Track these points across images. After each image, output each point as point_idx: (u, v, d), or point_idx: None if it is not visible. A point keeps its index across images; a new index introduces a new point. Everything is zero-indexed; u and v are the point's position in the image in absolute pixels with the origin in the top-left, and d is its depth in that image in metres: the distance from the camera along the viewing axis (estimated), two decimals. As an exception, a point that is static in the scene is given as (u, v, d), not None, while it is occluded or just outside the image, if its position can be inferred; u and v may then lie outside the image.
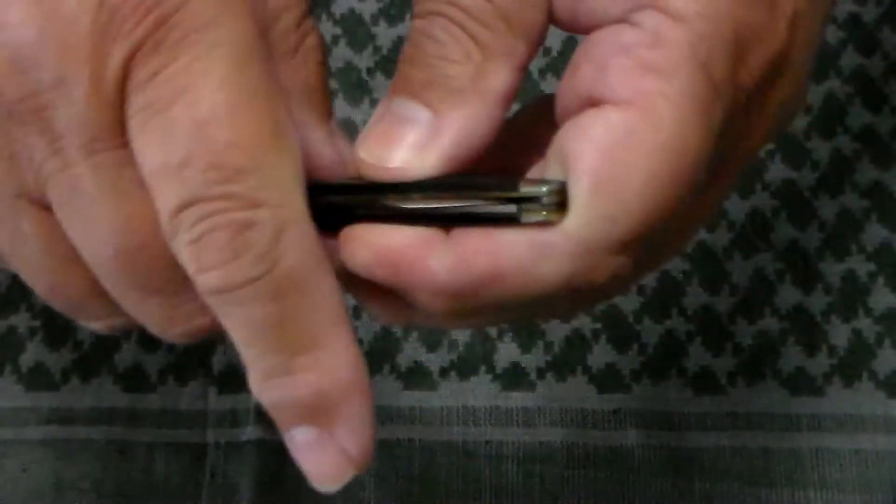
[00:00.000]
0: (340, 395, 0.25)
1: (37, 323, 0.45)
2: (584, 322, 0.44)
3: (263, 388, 0.26)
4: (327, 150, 0.27)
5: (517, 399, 0.43)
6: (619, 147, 0.24)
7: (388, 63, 0.48)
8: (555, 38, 0.46)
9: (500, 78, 0.26)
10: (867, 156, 0.46)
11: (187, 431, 0.43)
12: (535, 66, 0.48)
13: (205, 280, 0.24)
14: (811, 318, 0.44)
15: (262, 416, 0.43)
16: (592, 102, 0.25)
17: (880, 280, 0.45)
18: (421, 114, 0.26)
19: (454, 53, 0.26)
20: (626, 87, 0.24)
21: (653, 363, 0.44)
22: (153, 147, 0.24)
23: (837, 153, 0.46)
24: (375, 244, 0.26)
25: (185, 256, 0.24)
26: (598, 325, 0.44)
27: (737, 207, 0.46)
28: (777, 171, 0.46)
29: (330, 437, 0.26)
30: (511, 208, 0.25)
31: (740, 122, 0.26)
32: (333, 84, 0.47)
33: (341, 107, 0.47)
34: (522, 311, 0.28)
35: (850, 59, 0.47)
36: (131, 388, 0.44)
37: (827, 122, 0.47)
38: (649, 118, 0.24)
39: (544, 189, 0.25)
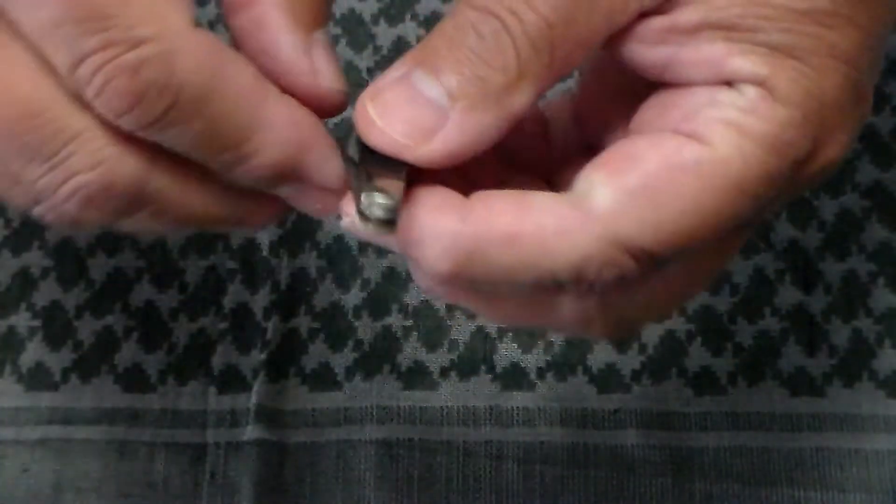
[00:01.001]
0: (297, 156, 0.27)
1: (37, 323, 0.45)
2: (584, 322, 0.44)
3: (233, 178, 0.27)
4: (296, 58, 0.27)
5: (517, 399, 0.43)
6: (681, 169, 0.25)
7: (388, 63, 0.48)
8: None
9: (523, 100, 0.26)
10: (867, 156, 0.46)
11: (187, 431, 0.43)
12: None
13: (126, 123, 0.25)
14: (811, 318, 0.44)
15: (261, 416, 0.43)
16: (679, 131, 0.26)
17: (880, 280, 0.45)
18: (440, 99, 0.26)
19: (495, 59, 0.26)
20: (711, 130, 0.25)
21: (653, 363, 0.44)
22: (26, 12, 0.25)
23: (837, 153, 0.46)
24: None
25: (98, 108, 0.25)
26: (599, 325, 0.44)
27: (737, 207, 0.46)
28: (777, 171, 0.46)
29: (306, 185, 0.28)
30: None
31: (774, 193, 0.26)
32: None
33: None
34: (523, 295, 0.27)
35: (850, 59, 0.47)
36: (131, 388, 0.44)
37: (827, 122, 0.47)
38: (720, 161, 0.25)
39: (381, 200, 0.26)
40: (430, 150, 0.26)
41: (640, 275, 0.26)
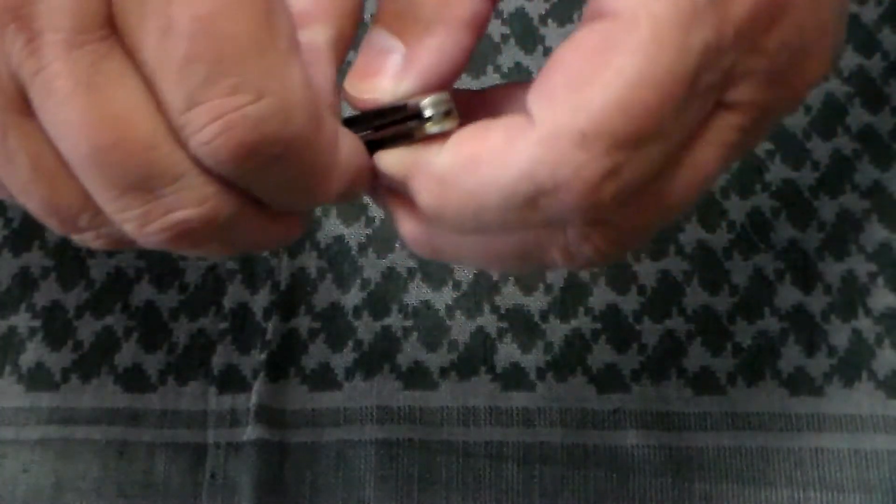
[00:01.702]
0: (357, 182, 0.28)
1: (37, 323, 0.45)
2: (583, 322, 0.44)
3: (292, 207, 0.28)
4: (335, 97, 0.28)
5: (517, 399, 0.43)
6: (594, 48, 0.25)
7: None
8: None
9: (465, 5, 0.27)
10: (867, 156, 0.46)
11: (187, 431, 0.43)
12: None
13: (223, 169, 0.25)
14: (811, 318, 0.44)
15: (262, 416, 0.43)
16: (591, 19, 0.26)
17: (880, 280, 0.45)
18: (395, 45, 0.28)
19: None
20: (617, 2, 0.25)
21: (653, 363, 0.44)
22: (154, 42, 0.24)
23: (837, 153, 0.46)
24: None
25: (199, 152, 0.25)
26: (598, 325, 0.44)
27: (737, 207, 0.46)
28: (777, 171, 0.46)
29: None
30: (412, 125, 0.27)
31: (730, 57, 0.26)
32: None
33: (342, 106, 0.47)
34: (505, 227, 0.27)
35: (849, 59, 0.47)
36: (131, 388, 0.44)
37: (827, 122, 0.47)
38: (628, 26, 0.25)
39: (426, 101, 0.27)
40: (406, 88, 0.28)
41: (604, 169, 0.25)
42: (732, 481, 0.42)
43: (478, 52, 0.48)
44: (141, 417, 0.43)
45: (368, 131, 0.28)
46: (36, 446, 0.43)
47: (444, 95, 0.27)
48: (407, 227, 0.29)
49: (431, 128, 0.27)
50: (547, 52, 0.48)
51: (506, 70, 0.48)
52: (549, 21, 0.48)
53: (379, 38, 0.28)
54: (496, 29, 0.48)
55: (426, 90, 0.27)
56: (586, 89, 0.25)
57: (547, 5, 0.49)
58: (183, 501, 0.42)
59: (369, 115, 0.29)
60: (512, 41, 0.48)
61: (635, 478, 0.42)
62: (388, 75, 0.28)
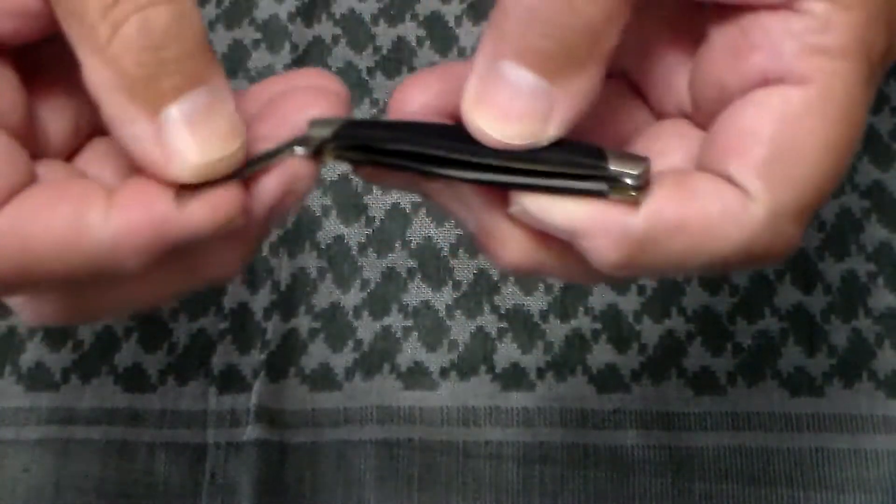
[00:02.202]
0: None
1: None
2: (583, 322, 0.44)
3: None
4: (145, 150, 0.25)
5: (517, 399, 0.43)
6: (798, 117, 0.25)
7: (388, 63, 0.48)
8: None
9: (612, 39, 0.26)
10: (867, 156, 0.46)
11: (187, 431, 0.43)
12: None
13: None
14: (811, 318, 0.44)
15: (262, 416, 0.43)
16: (765, 83, 0.26)
17: (880, 280, 0.45)
18: (539, 84, 0.26)
19: (563, 17, 0.25)
20: (802, 65, 0.25)
21: (653, 363, 0.44)
22: None
23: (837, 153, 0.46)
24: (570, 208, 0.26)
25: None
26: (598, 325, 0.44)
27: (737, 207, 0.46)
28: (777, 171, 0.46)
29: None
30: (601, 186, 0.25)
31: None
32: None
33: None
34: (690, 271, 0.28)
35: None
36: (131, 388, 0.44)
37: (827, 122, 0.47)
38: (826, 93, 0.25)
39: (635, 171, 0.25)
40: (552, 132, 0.26)
41: (800, 233, 0.26)
42: (732, 481, 0.42)
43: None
44: (141, 417, 0.43)
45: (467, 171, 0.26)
46: (36, 446, 0.43)
47: (648, 164, 0.26)
48: (513, 254, 0.28)
49: (634, 195, 0.25)
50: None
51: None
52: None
53: (516, 75, 0.26)
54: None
55: (569, 130, 0.26)
56: (802, 163, 0.25)
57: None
58: (183, 501, 0.42)
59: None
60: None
61: (635, 478, 0.42)
62: (533, 118, 0.26)
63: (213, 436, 0.43)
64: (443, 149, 0.26)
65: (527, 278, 0.45)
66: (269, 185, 0.26)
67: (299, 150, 0.26)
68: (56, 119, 0.28)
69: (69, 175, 0.28)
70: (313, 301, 0.45)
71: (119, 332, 0.44)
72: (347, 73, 0.48)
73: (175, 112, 0.25)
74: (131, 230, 0.24)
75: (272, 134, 0.26)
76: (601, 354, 0.44)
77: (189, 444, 0.43)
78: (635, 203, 0.25)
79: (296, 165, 0.26)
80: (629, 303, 0.44)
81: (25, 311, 0.28)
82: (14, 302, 0.28)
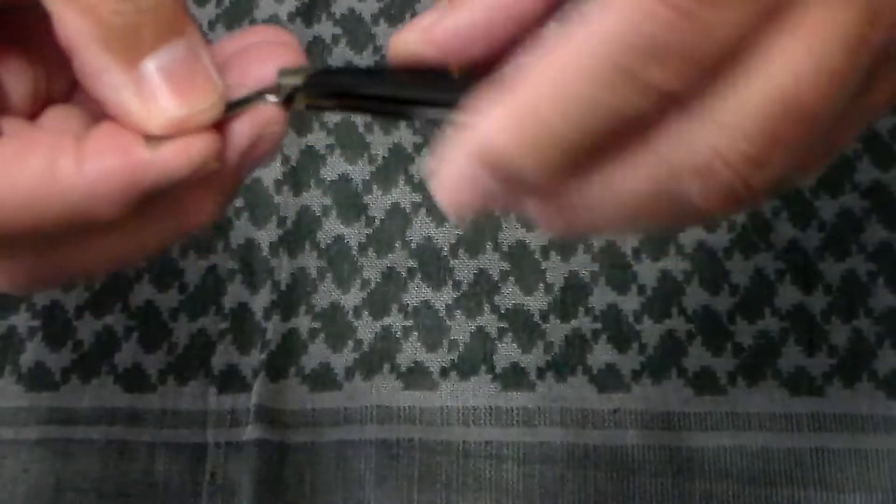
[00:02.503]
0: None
1: (37, 323, 0.45)
2: (583, 322, 0.44)
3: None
4: (122, 101, 0.25)
5: (517, 399, 0.43)
6: None
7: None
8: None
9: None
10: (867, 156, 0.46)
11: (187, 431, 0.43)
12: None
13: None
14: (811, 318, 0.44)
15: (261, 416, 0.43)
16: None
17: (880, 280, 0.45)
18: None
19: None
20: None
21: (653, 363, 0.44)
22: None
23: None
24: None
25: None
26: (598, 325, 0.44)
27: (737, 207, 0.46)
28: (777, 171, 0.46)
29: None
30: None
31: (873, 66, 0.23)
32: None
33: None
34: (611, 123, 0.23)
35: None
36: (131, 388, 0.44)
37: (827, 122, 0.47)
38: None
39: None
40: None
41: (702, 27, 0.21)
42: (732, 481, 0.42)
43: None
44: (141, 417, 0.43)
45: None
46: (36, 446, 0.43)
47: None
48: (541, 211, 0.26)
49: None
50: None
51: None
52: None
53: None
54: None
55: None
56: None
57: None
58: (183, 501, 0.42)
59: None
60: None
61: (635, 478, 0.42)
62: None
63: (213, 436, 0.43)
64: (409, 90, 0.27)
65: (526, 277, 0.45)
66: (242, 129, 0.26)
67: (271, 97, 0.27)
68: (15, 82, 0.28)
69: (33, 130, 0.27)
70: (313, 301, 0.45)
71: (119, 332, 0.44)
72: (347, 73, 0.48)
73: (153, 64, 0.24)
74: (106, 176, 0.24)
75: (238, 84, 0.26)
76: (601, 354, 0.44)
77: (189, 444, 0.43)
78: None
79: (268, 112, 0.26)
80: (629, 303, 0.44)
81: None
82: None
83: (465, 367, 0.44)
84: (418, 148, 0.47)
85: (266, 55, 0.27)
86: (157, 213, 0.26)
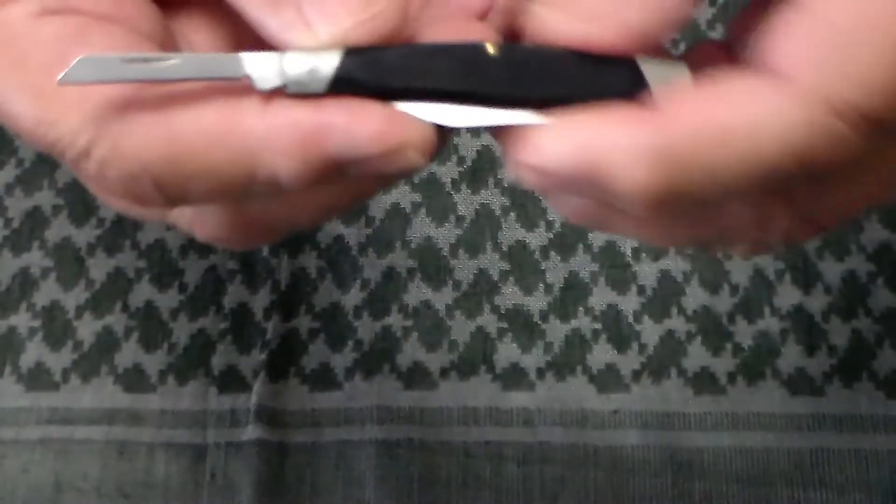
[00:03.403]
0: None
1: (37, 323, 0.45)
2: (583, 322, 0.44)
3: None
4: (279, 26, 0.24)
5: (517, 399, 0.43)
6: (867, 3, 0.22)
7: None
8: None
9: None
10: (867, 156, 0.46)
11: (187, 431, 0.43)
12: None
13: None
14: (811, 318, 0.44)
15: (262, 416, 0.43)
16: None
17: (880, 280, 0.45)
18: None
19: None
20: None
21: (653, 363, 0.44)
22: None
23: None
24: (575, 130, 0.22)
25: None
26: (598, 325, 0.44)
27: (737, 207, 0.46)
28: (777, 171, 0.46)
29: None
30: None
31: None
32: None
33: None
34: (736, 189, 0.23)
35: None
36: (131, 388, 0.44)
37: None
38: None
39: (676, 75, 0.23)
40: (613, 29, 0.23)
41: (856, 148, 0.22)
42: (732, 481, 0.42)
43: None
44: (141, 417, 0.43)
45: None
46: (36, 446, 0.43)
47: (685, 66, 0.23)
48: (569, 205, 0.25)
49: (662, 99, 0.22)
50: None
51: None
52: None
53: None
54: None
55: (629, 42, 0.23)
56: (864, 60, 0.21)
57: None
58: (183, 501, 0.42)
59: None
60: None
61: (635, 478, 0.42)
62: (592, 11, 0.23)
63: (213, 436, 0.43)
64: (451, 82, 0.24)
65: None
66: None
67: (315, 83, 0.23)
68: (202, 42, 0.27)
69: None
70: (313, 301, 0.45)
71: (119, 332, 0.44)
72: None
73: None
74: (288, 127, 0.23)
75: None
76: (601, 354, 0.44)
77: (189, 444, 0.43)
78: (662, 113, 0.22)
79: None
80: (629, 303, 0.44)
81: (194, 226, 0.27)
82: (182, 219, 0.27)
83: (465, 367, 0.44)
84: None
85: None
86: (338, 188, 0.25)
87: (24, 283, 0.45)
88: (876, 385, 0.43)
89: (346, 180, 0.24)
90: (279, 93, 0.23)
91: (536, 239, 0.46)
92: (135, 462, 0.43)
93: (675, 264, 0.45)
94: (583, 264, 0.45)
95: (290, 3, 0.23)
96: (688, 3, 0.23)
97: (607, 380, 0.43)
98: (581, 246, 0.45)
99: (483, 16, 0.27)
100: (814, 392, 0.43)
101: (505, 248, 0.45)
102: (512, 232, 0.46)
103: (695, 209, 0.24)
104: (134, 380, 0.44)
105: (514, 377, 0.44)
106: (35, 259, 0.45)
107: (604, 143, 0.22)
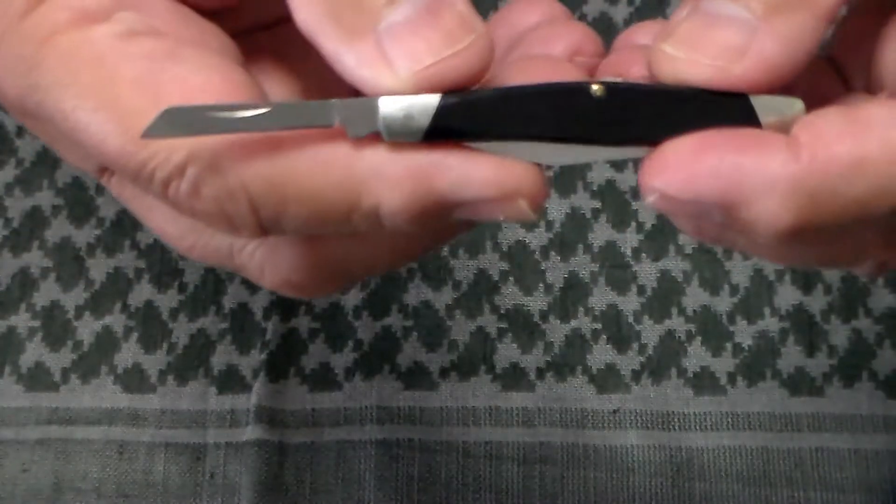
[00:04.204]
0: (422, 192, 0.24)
1: (37, 323, 0.45)
2: (583, 322, 0.44)
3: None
4: (363, 72, 0.23)
5: (517, 399, 0.43)
6: None
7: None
8: None
9: None
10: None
11: (187, 431, 0.43)
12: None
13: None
14: (811, 318, 0.44)
15: (261, 416, 0.43)
16: None
17: (880, 280, 0.45)
18: (740, 13, 0.23)
19: None
20: None
21: (652, 363, 0.44)
22: None
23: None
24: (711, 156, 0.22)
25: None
26: (598, 325, 0.44)
27: (737, 207, 0.46)
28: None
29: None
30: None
31: None
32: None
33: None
34: (873, 222, 0.23)
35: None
36: (131, 388, 0.44)
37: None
38: None
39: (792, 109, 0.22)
40: (745, 65, 0.23)
41: None
42: (732, 481, 0.42)
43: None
44: (141, 417, 0.43)
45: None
46: (36, 446, 0.43)
47: (800, 102, 0.22)
48: (692, 224, 0.25)
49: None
50: None
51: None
52: None
53: (715, 5, 0.23)
54: None
55: (770, 76, 0.23)
56: None
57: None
58: (183, 501, 0.42)
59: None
60: None
61: (635, 478, 0.42)
62: (729, 46, 0.23)
63: (212, 436, 0.43)
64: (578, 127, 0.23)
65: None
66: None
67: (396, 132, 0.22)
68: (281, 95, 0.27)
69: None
70: (313, 301, 0.45)
71: (119, 332, 0.44)
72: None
73: (384, 25, 0.22)
74: (402, 162, 0.22)
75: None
76: (601, 354, 0.44)
77: (189, 444, 0.43)
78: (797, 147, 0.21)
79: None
80: (629, 303, 0.44)
81: (265, 268, 0.26)
82: (252, 262, 0.26)
83: (465, 367, 0.44)
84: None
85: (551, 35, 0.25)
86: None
87: (24, 283, 0.45)
88: (876, 385, 0.43)
89: (440, 223, 0.24)
90: (372, 139, 0.23)
91: (536, 239, 0.46)
92: (134, 462, 0.43)
93: (675, 264, 0.45)
94: (583, 264, 0.45)
95: (368, 37, 0.23)
96: (821, 30, 0.23)
97: (607, 380, 0.43)
98: (581, 246, 0.45)
99: (571, 58, 0.26)
100: (814, 392, 0.43)
101: (505, 248, 0.45)
102: (512, 232, 0.46)
103: (827, 236, 0.23)
104: (134, 380, 0.44)
105: (513, 377, 0.44)
106: (35, 259, 0.45)
107: (743, 174, 0.22)
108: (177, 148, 0.23)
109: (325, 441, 0.43)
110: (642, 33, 0.27)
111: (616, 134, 0.23)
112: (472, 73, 0.23)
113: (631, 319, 0.44)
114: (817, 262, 0.25)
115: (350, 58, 0.23)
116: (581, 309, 0.44)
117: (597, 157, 0.23)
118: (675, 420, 0.43)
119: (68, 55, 0.24)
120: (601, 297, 0.45)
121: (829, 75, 0.27)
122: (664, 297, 0.45)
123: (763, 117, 0.23)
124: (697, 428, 0.43)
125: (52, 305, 0.45)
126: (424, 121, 0.22)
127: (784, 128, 0.22)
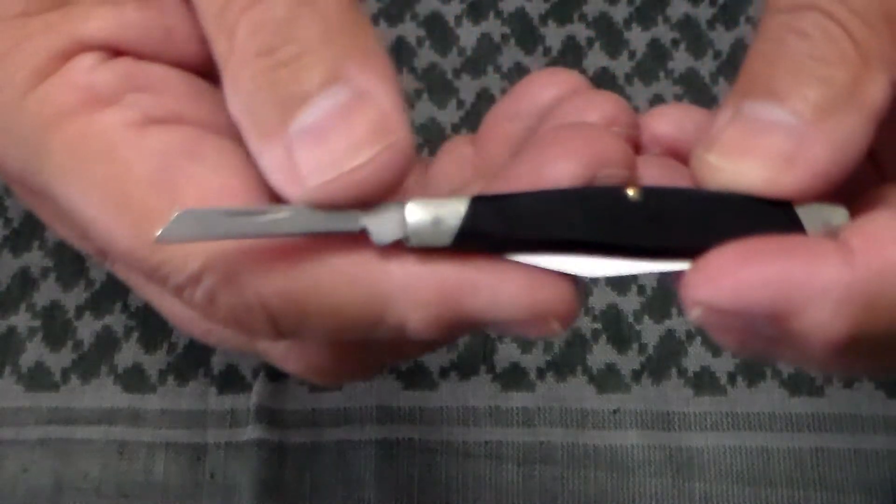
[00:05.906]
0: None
1: (37, 323, 0.45)
2: (583, 322, 0.44)
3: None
4: (274, 176, 0.23)
5: (517, 399, 0.43)
6: None
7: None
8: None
9: (878, 88, 0.22)
10: (867, 156, 0.46)
11: (187, 431, 0.43)
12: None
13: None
14: (811, 318, 0.44)
15: (261, 416, 0.43)
16: None
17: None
18: (787, 118, 0.22)
19: (830, 54, 0.22)
20: None
21: (653, 363, 0.44)
22: None
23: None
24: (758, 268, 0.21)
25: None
26: (598, 325, 0.44)
27: (737, 207, 0.46)
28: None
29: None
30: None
31: None
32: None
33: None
34: None
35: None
36: (131, 388, 0.44)
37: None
38: None
39: (838, 213, 0.22)
40: (796, 175, 0.22)
41: None
42: (732, 481, 0.42)
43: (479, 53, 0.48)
44: (141, 417, 0.43)
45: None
46: (36, 446, 0.43)
47: (844, 210, 0.22)
48: (734, 337, 0.23)
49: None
50: (546, 52, 0.48)
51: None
52: (549, 21, 0.49)
53: (759, 110, 0.22)
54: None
55: (821, 182, 0.22)
56: None
57: (547, 5, 0.49)
58: (183, 501, 0.42)
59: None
60: (512, 41, 0.48)
61: (635, 478, 0.42)
62: (777, 155, 0.22)
63: (213, 436, 0.43)
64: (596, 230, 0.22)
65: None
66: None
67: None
68: None
69: None
70: (313, 301, 0.45)
71: (119, 332, 0.44)
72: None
73: (297, 126, 0.21)
74: (430, 281, 0.21)
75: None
76: (601, 354, 0.44)
77: (189, 443, 0.43)
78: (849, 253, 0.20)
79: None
80: (629, 303, 0.44)
81: (289, 356, 0.25)
82: (274, 350, 0.25)
83: (465, 367, 0.44)
84: (418, 149, 0.47)
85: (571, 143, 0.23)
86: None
87: (24, 283, 0.45)
88: (876, 385, 0.43)
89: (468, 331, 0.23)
90: (398, 247, 0.22)
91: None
92: (135, 462, 0.43)
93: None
94: (583, 264, 0.45)
95: (280, 140, 0.22)
96: (871, 131, 0.22)
97: (607, 380, 0.43)
98: (581, 246, 0.45)
99: (608, 128, 0.25)
100: (814, 392, 0.43)
101: (505, 248, 0.45)
102: (512, 232, 0.46)
103: (882, 346, 0.22)
104: (134, 380, 0.44)
105: (514, 377, 0.44)
106: (35, 259, 0.45)
107: (795, 282, 0.21)
108: (192, 255, 0.22)
109: (325, 441, 0.43)
110: (664, 122, 0.26)
111: (652, 239, 0.22)
112: (382, 184, 0.22)
113: (631, 319, 0.44)
114: (869, 372, 0.25)
115: (264, 160, 0.22)
116: (581, 309, 0.44)
117: (634, 270, 0.23)
118: (676, 420, 0.43)
119: (76, 144, 0.22)
120: (601, 297, 0.45)
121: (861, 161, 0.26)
122: (664, 297, 0.44)
123: (807, 225, 0.22)
124: (697, 428, 0.43)
125: (52, 305, 0.45)
126: (453, 226, 0.21)
127: (829, 236, 0.21)
